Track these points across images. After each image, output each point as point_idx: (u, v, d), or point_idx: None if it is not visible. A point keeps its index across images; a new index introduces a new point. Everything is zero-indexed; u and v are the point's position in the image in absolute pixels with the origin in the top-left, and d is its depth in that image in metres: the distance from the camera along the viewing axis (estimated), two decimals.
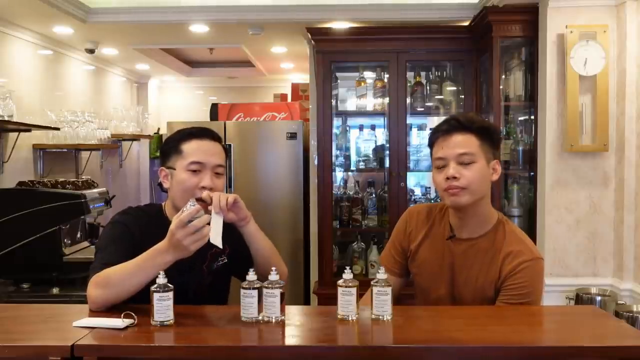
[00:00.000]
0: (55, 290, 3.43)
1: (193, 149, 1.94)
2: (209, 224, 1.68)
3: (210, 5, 3.88)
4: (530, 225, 3.44)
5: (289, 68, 5.94)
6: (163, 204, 2.05)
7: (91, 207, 3.62)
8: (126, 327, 1.58)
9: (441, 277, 1.96)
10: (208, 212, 1.76)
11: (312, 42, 4.03)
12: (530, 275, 1.86)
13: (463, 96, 4.01)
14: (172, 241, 1.67)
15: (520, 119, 3.69)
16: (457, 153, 1.86)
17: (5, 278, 3.55)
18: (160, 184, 2.03)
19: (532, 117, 3.47)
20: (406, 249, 2.08)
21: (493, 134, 1.93)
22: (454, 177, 1.84)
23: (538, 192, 3.35)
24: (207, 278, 1.99)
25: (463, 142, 1.86)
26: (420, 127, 4.27)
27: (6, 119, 3.50)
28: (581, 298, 3.04)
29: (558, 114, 3.21)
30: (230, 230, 1.88)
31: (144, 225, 1.95)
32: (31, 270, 3.51)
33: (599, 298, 3.03)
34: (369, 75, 4.20)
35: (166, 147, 2.00)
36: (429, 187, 4.26)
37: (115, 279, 1.73)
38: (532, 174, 3.47)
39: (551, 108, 3.22)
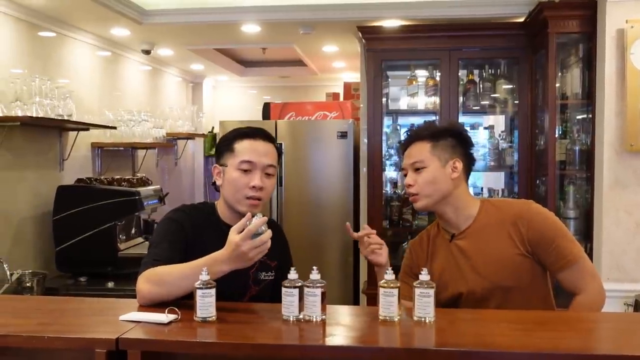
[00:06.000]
0: (110, 284, 3.54)
1: (245, 148, 1.96)
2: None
3: (261, 5, 3.91)
4: (587, 228, 3.33)
5: (341, 67, 5.93)
6: (216, 202, 2.07)
7: (145, 204, 3.72)
8: (170, 322, 1.61)
9: (463, 275, 1.97)
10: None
11: (363, 40, 4.01)
12: (542, 220, 1.93)
13: (517, 94, 3.91)
14: (237, 252, 1.65)
15: (577, 117, 3.57)
16: (410, 162, 2.02)
17: (64, 272, 3.70)
18: (214, 184, 2.04)
19: (590, 115, 3.35)
20: (417, 273, 2.08)
21: (452, 135, 2.01)
22: (409, 185, 2.01)
23: (595, 194, 3.23)
24: (253, 288, 1.99)
25: (415, 152, 2.02)
26: (473, 126, 4.19)
27: (66, 118, 3.62)
28: None
29: (617, 112, 3.08)
30: (278, 245, 1.87)
31: (196, 224, 1.96)
32: (88, 264, 3.64)
33: None
34: (421, 74, 4.15)
35: (220, 146, 2.02)
36: (482, 188, 4.18)
37: (169, 278, 1.75)
38: (589, 174, 3.35)
39: (610, 106, 3.10)
